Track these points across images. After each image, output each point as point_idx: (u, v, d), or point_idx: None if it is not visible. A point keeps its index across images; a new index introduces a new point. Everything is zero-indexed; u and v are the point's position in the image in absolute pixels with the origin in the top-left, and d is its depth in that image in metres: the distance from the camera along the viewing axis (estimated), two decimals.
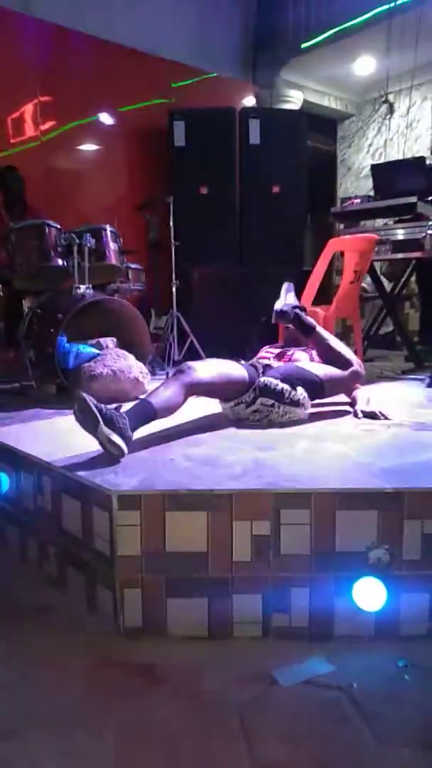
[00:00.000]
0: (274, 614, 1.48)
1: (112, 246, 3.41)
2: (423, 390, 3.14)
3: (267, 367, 2.30)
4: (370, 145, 6.77)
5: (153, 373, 3.52)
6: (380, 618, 1.48)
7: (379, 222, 4.52)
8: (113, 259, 3.41)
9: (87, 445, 1.95)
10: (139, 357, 3.07)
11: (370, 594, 1.46)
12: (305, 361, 2.47)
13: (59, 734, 1.18)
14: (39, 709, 1.25)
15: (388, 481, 1.54)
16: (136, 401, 1.96)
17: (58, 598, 1.70)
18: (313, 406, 2.29)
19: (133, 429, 1.80)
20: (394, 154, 6.13)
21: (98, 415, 1.68)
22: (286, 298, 2.56)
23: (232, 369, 2.17)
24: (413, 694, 1.29)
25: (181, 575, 1.48)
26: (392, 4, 4.83)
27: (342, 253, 3.80)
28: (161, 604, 1.49)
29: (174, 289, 4.13)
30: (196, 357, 4.11)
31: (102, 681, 1.34)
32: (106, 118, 4.99)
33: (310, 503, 1.46)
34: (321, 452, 1.87)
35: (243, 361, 2.30)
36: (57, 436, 2.17)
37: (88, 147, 4.93)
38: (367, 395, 2.47)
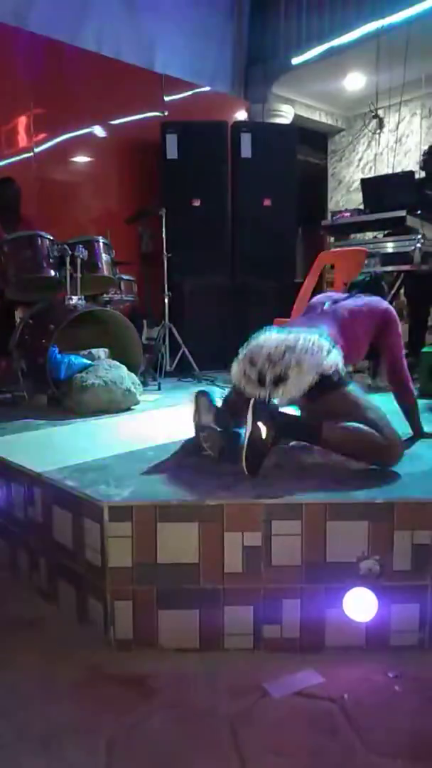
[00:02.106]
0: (265, 625, 1.48)
1: (105, 257, 3.43)
2: None
3: None
4: (360, 159, 6.85)
5: (145, 383, 3.52)
6: (371, 629, 1.48)
7: (369, 235, 4.57)
8: (105, 271, 3.42)
9: (78, 455, 1.95)
10: (131, 368, 3.07)
11: (360, 605, 1.47)
12: None
13: (49, 747, 1.17)
14: (29, 722, 1.24)
15: (379, 492, 1.56)
16: None
17: (49, 610, 1.69)
18: None
19: None
20: (384, 169, 6.21)
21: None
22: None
23: None
24: (404, 705, 1.29)
25: (172, 587, 1.48)
26: (381, 24, 4.92)
27: (332, 266, 3.84)
28: (152, 615, 1.48)
29: (166, 301, 4.15)
30: (188, 368, 4.13)
31: (92, 693, 1.33)
32: (99, 131, 5.03)
33: (301, 514, 1.47)
34: (312, 462, 1.87)
35: None
36: (48, 447, 2.16)
37: (81, 159, 4.96)
38: None
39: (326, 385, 1.69)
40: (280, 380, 1.68)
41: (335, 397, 1.72)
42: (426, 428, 2.19)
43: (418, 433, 2.14)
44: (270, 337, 1.78)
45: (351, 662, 1.43)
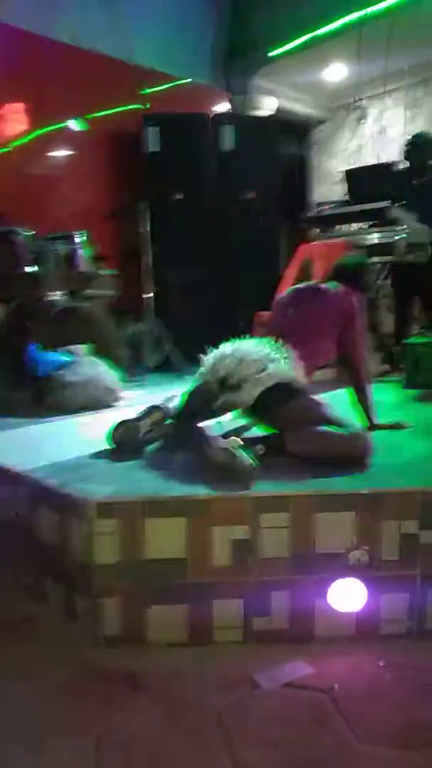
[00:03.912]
0: (255, 618, 1.48)
1: (85, 253, 3.38)
2: (399, 392, 3.18)
3: None
4: (343, 150, 6.85)
5: (127, 379, 3.48)
6: (361, 618, 1.48)
7: (354, 226, 4.56)
8: (86, 266, 3.38)
9: (61, 453, 1.93)
10: (113, 364, 3.04)
11: (350, 595, 1.47)
12: None
13: (38, 746, 1.16)
14: (17, 721, 1.23)
15: (366, 483, 1.55)
16: None
17: (37, 609, 1.67)
18: None
19: None
20: (368, 159, 6.21)
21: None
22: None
23: None
24: (394, 694, 1.29)
25: (160, 582, 1.47)
26: (363, 14, 4.90)
27: (312, 259, 3.83)
28: (140, 611, 1.47)
29: (150, 295, 4.12)
30: (172, 363, 4.11)
31: (82, 690, 1.32)
32: (77, 125, 4.96)
33: (288, 506, 1.46)
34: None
35: None
36: (30, 445, 2.14)
37: (60, 153, 4.88)
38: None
39: (281, 396, 1.75)
40: (237, 387, 1.79)
41: (292, 407, 1.77)
42: (402, 420, 2.19)
43: (371, 425, 2.08)
44: (225, 353, 1.90)
45: (341, 652, 1.43)
